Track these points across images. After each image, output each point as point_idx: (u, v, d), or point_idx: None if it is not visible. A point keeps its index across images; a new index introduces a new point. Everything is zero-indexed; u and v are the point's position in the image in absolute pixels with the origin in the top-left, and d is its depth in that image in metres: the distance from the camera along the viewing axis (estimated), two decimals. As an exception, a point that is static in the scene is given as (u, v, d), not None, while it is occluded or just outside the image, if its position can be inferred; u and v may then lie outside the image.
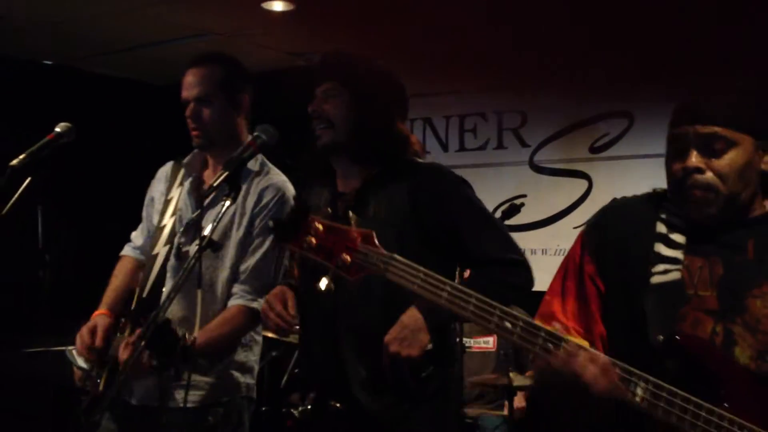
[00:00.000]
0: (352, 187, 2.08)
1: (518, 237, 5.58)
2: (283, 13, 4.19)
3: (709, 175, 1.53)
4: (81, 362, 2.40)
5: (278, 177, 2.44)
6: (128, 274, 2.57)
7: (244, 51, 4.81)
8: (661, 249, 1.58)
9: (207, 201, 2.26)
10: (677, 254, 1.57)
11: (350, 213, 1.56)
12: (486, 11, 4.08)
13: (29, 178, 2.20)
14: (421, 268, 1.47)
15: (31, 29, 4.35)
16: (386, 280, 1.48)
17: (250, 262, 2.35)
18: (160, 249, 2.44)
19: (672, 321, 1.52)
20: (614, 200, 1.77)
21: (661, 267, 1.56)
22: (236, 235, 2.38)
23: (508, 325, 1.44)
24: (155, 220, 2.53)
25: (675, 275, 1.55)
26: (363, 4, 4.03)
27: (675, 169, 1.57)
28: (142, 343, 1.63)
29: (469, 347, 4.09)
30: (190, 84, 2.42)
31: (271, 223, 1.51)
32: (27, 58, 4.96)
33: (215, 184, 1.84)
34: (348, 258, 1.47)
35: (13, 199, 2.15)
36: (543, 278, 5.46)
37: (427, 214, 2.00)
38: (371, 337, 1.95)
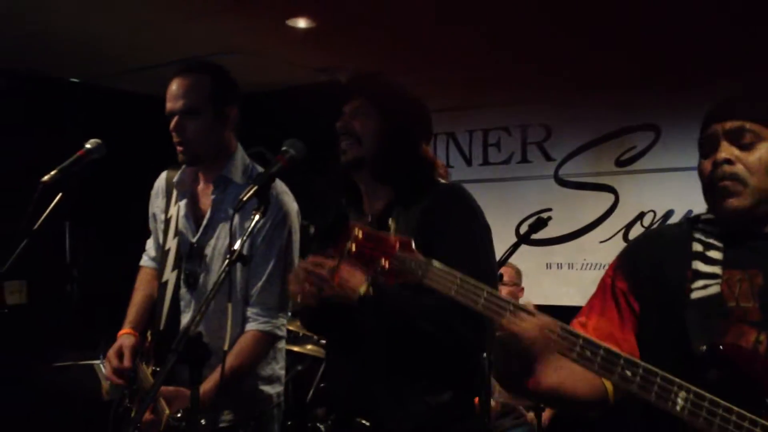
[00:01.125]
0: (377, 209, 2.08)
1: (544, 251, 5.53)
2: (305, 29, 4.22)
3: (738, 167, 1.56)
4: (106, 383, 2.43)
5: (281, 197, 2.35)
6: (148, 285, 2.58)
7: (268, 68, 4.86)
8: (699, 266, 1.59)
9: (234, 216, 2.24)
10: (715, 269, 1.58)
11: (389, 221, 1.56)
12: (510, 26, 4.08)
13: (60, 194, 2.22)
14: (458, 274, 1.48)
15: (58, 46, 4.42)
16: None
17: (258, 284, 2.32)
18: (169, 276, 2.43)
19: (713, 333, 1.52)
20: (647, 230, 1.78)
21: (700, 283, 1.57)
22: (223, 244, 2.34)
23: (549, 333, 1.44)
24: (161, 239, 2.51)
25: (715, 289, 1.56)
26: (385, 19, 4.05)
27: (705, 166, 1.60)
28: (174, 358, 1.64)
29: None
30: (176, 95, 2.32)
31: (312, 230, 1.52)
32: (56, 75, 5.04)
33: (245, 199, 1.82)
34: (386, 264, 1.49)
35: (44, 214, 2.17)
36: (569, 292, 5.43)
37: (431, 233, 1.95)
38: (393, 359, 1.94)
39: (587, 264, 4.56)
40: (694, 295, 1.56)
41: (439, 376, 1.96)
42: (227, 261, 1.75)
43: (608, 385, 1.62)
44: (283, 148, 1.96)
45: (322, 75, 5.14)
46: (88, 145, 2.34)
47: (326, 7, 3.89)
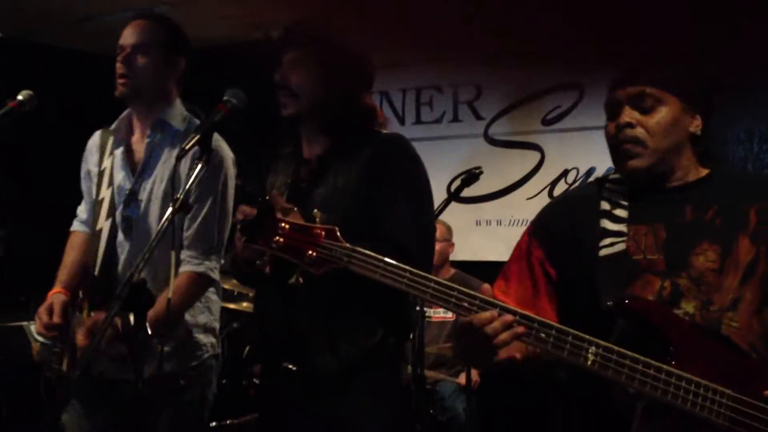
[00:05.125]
0: (316, 154, 2.11)
1: (473, 208, 5.67)
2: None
3: (639, 130, 1.67)
4: (37, 341, 2.42)
5: (217, 143, 2.35)
6: (79, 249, 2.56)
7: (198, 21, 4.77)
8: (606, 224, 1.71)
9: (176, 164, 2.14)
10: (621, 227, 1.69)
11: (315, 210, 1.62)
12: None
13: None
14: (382, 258, 1.58)
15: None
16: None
17: (193, 226, 2.35)
18: (103, 224, 2.42)
19: (620, 288, 1.63)
20: (559, 194, 1.89)
21: (607, 241, 1.68)
22: (159, 187, 2.36)
23: (466, 304, 1.55)
24: (93, 193, 2.50)
25: (620, 246, 1.67)
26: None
27: (610, 129, 1.72)
28: (118, 304, 1.66)
29: (429, 317, 4.19)
30: (130, 33, 2.38)
31: (239, 226, 1.58)
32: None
33: (186, 147, 1.84)
34: (313, 253, 1.57)
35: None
36: (498, 247, 5.60)
37: (375, 182, 2.02)
38: (328, 300, 1.99)
39: (515, 220, 4.71)
40: (603, 252, 1.67)
41: (370, 314, 2.01)
42: (170, 210, 1.77)
43: None
44: (225, 98, 1.96)
45: (256, 32, 5.08)
46: (20, 97, 2.30)
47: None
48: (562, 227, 1.78)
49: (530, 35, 4.58)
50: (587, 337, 1.53)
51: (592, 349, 1.52)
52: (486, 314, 1.52)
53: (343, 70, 2.07)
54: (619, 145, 1.69)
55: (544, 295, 1.76)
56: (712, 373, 1.54)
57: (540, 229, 1.82)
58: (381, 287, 1.97)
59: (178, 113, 2.43)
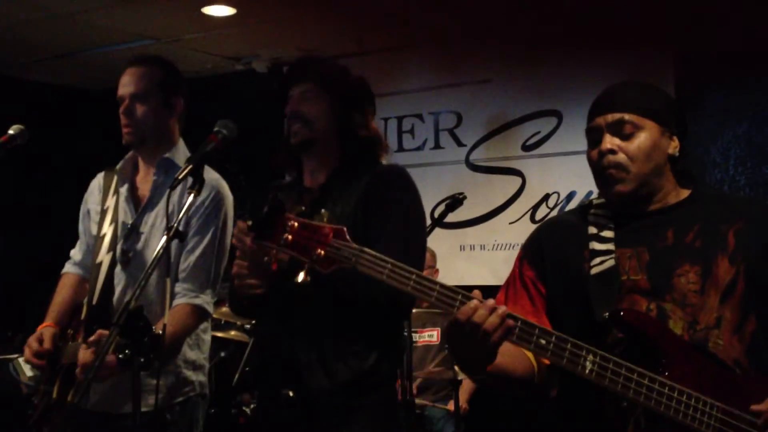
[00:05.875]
0: (318, 183, 2.19)
1: (457, 234, 5.69)
2: (223, 18, 4.23)
3: (621, 155, 1.72)
4: (26, 374, 2.42)
5: (210, 174, 2.42)
6: (71, 288, 2.58)
7: (180, 55, 4.83)
8: (595, 245, 1.76)
9: (171, 193, 2.16)
10: (609, 246, 1.74)
11: (322, 210, 1.66)
12: (421, 21, 4.21)
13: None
14: (389, 259, 1.58)
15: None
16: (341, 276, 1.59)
17: (190, 260, 2.38)
18: (103, 257, 2.45)
19: (613, 301, 1.68)
20: (547, 219, 1.93)
21: (597, 260, 1.73)
22: (161, 224, 2.39)
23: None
24: (94, 231, 2.53)
25: (610, 263, 1.72)
26: (305, 9, 4.11)
27: (592, 155, 1.77)
28: (115, 331, 1.67)
29: (414, 341, 4.21)
30: (127, 82, 2.45)
31: (249, 222, 1.60)
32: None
33: (180, 177, 1.88)
34: (321, 252, 1.57)
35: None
36: (482, 272, 5.61)
37: (370, 211, 2.09)
38: (324, 325, 2.04)
39: (498, 245, 4.75)
40: (594, 270, 1.73)
41: (364, 339, 2.06)
42: (165, 237, 1.80)
43: (534, 364, 1.77)
44: (216, 129, 2.01)
45: (238, 64, 5.15)
46: (11, 131, 2.34)
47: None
48: (552, 249, 1.83)
49: (508, 62, 4.69)
50: (585, 345, 1.57)
51: (590, 357, 1.55)
52: (470, 304, 1.54)
53: (351, 99, 2.19)
54: (603, 171, 1.74)
55: (543, 311, 1.81)
56: (702, 386, 1.59)
57: (530, 252, 1.87)
58: (374, 312, 2.02)
59: (181, 152, 2.50)
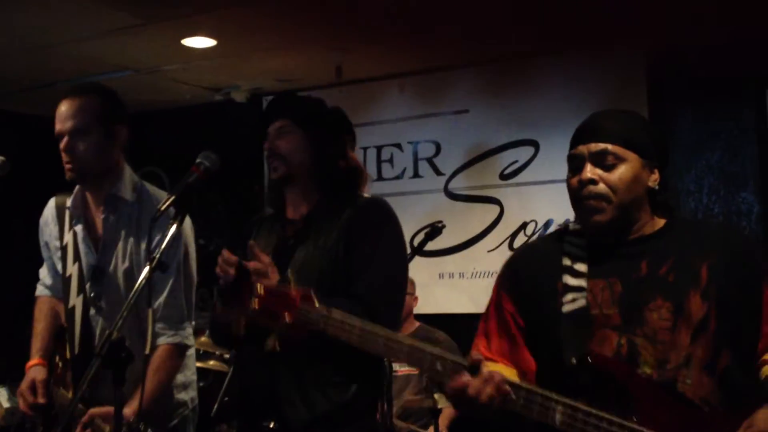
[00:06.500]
0: (301, 214, 2.23)
1: (436, 262, 5.69)
2: (203, 49, 4.27)
3: (601, 186, 1.73)
4: (2, 405, 2.41)
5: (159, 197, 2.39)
6: (49, 313, 2.57)
7: (160, 86, 4.85)
8: (568, 280, 1.76)
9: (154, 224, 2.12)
10: (581, 282, 1.75)
11: (288, 272, 1.65)
12: (403, 49, 4.27)
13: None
14: (357, 321, 1.60)
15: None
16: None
17: (161, 299, 2.35)
18: (75, 301, 2.43)
19: (583, 343, 1.69)
20: (524, 244, 1.95)
21: (569, 296, 1.74)
22: (122, 266, 2.38)
23: (440, 367, 1.59)
24: (59, 267, 2.51)
25: (581, 302, 1.73)
26: (284, 40, 4.15)
27: (572, 183, 1.77)
28: (98, 361, 1.68)
29: (395, 371, 4.21)
30: (65, 116, 2.35)
31: (216, 292, 1.60)
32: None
33: (162, 208, 1.88)
34: (289, 318, 1.57)
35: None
36: (461, 300, 5.62)
37: (351, 244, 2.12)
38: (303, 357, 2.04)
39: (477, 273, 4.78)
40: (565, 308, 1.73)
41: (344, 369, 2.07)
42: (148, 268, 1.80)
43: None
44: (198, 160, 2.02)
45: (218, 94, 5.18)
46: None
47: (224, 27, 3.95)
48: (526, 283, 1.84)
49: (485, 92, 4.77)
50: (554, 396, 1.58)
51: (560, 408, 1.57)
52: (460, 380, 1.56)
53: (326, 134, 2.23)
54: (582, 200, 1.75)
55: (523, 346, 1.81)
56: (671, 427, 1.60)
57: (507, 282, 1.88)
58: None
59: (128, 184, 2.44)
